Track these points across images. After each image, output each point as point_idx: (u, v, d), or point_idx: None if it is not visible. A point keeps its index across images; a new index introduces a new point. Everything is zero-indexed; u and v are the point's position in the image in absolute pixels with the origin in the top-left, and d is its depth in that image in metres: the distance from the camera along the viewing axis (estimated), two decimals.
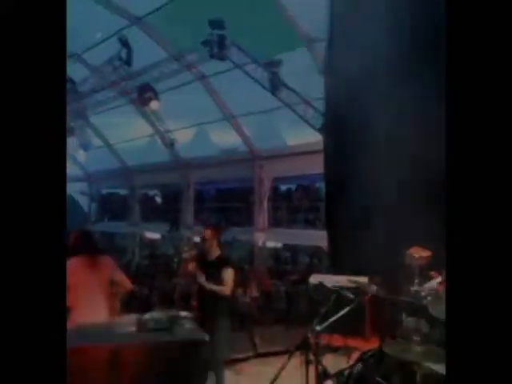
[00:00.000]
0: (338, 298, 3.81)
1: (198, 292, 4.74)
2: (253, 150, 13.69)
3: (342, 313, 3.63)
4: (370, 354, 3.73)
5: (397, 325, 3.79)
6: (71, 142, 15.70)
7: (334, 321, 3.60)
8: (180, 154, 15.85)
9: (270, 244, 14.73)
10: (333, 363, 4.06)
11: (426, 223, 4.26)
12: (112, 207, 21.93)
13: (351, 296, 3.81)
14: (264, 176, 13.52)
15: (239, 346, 6.13)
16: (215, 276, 4.62)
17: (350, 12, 6.10)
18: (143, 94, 11.63)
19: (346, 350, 4.25)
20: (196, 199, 16.61)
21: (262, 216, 13.64)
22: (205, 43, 9.97)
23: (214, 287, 4.58)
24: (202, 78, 12.85)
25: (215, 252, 4.80)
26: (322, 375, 3.74)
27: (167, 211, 17.80)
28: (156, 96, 11.59)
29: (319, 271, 10.89)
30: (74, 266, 4.37)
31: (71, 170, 20.60)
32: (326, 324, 3.55)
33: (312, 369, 3.68)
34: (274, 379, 4.17)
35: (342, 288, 3.94)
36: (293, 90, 10.29)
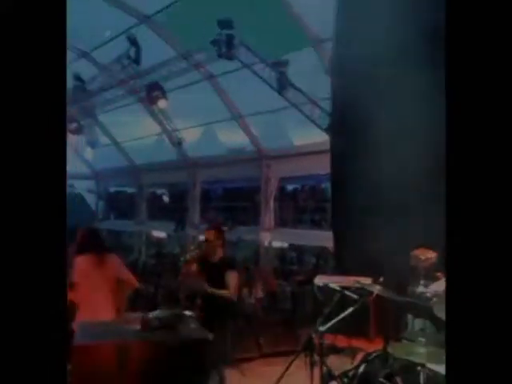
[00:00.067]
0: (342, 298, 3.81)
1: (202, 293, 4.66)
2: (260, 150, 13.69)
3: (345, 313, 3.62)
4: (374, 354, 3.72)
5: (402, 326, 3.78)
6: (79, 140, 15.80)
7: (339, 321, 3.60)
8: (187, 153, 15.88)
9: (276, 244, 14.73)
10: (337, 364, 4.06)
11: (434, 224, 4.24)
12: (119, 205, 22.01)
13: (356, 297, 3.81)
14: (271, 175, 13.51)
15: (244, 346, 6.13)
16: (218, 279, 4.47)
17: (357, 12, 6.08)
18: (151, 93, 11.66)
19: (351, 351, 4.24)
20: (203, 198, 16.63)
21: (268, 216, 13.64)
22: (213, 43, 9.98)
23: (218, 293, 4.43)
24: (210, 77, 12.87)
25: (218, 254, 4.65)
26: (327, 376, 3.74)
27: (174, 210, 17.83)
28: (164, 95, 11.61)
29: (325, 272, 10.88)
30: (81, 263, 4.40)
31: (79, 167, 20.74)
32: (329, 324, 3.55)
33: (316, 369, 3.68)
34: (279, 379, 4.18)
35: (346, 289, 3.93)
36: (300, 90, 10.28)
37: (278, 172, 13.45)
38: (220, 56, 10.11)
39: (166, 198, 19.36)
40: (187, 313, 3.70)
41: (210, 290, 4.45)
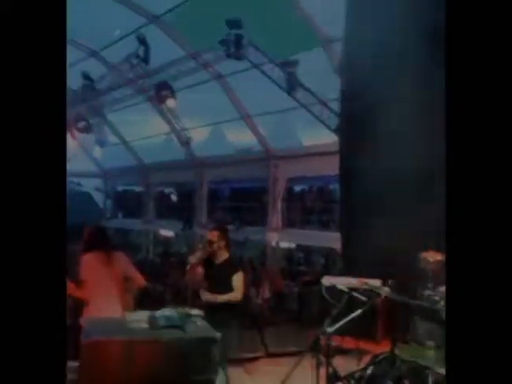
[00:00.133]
0: (350, 300, 3.79)
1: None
2: (268, 150, 13.68)
3: (353, 315, 3.60)
4: (381, 357, 3.70)
5: (409, 329, 3.76)
6: (88, 139, 15.88)
7: (346, 323, 3.58)
8: (195, 153, 15.90)
9: (284, 244, 14.71)
10: (344, 365, 4.04)
11: (443, 225, 4.21)
12: (127, 204, 22.08)
13: (363, 298, 3.79)
14: (279, 176, 13.49)
15: (250, 346, 6.13)
16: (223, 281, 4.45)
17: (367, 12, 6.06)
18: (160, 92, 11.69)
19: (358, 353, 4.22)
20: (210, 198, 16.65)
21: (276, 216, 13.62)
22: (222, 42, 9.99)
23: (223, 298, 4.40)
24: (219, 77, 12.88)
25: (223, 255, 4.61)
26: (333, 377, 3.72)
27: (181, 209, 17.87)
28: (173, 94, 11.63)
29: (332, 273, 10.85)
30: (89, 261, 4.42)
31: (87, 166, 20.84)
32: (336, 326, 3.53)
33: (323, 371, 3.66)
34: (285, 380, 4.16)
35: (354, 290, 3.91)
36: (309, 91, 10.26)
37: (286, 172, 13.42)
38: (229, 56, 10.11)
39: (173, 197, 19.40)
40: (194, 311, 3.70)
41: (208, 297, 4.43)
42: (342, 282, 4.17)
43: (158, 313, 3.49)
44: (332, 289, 4.18)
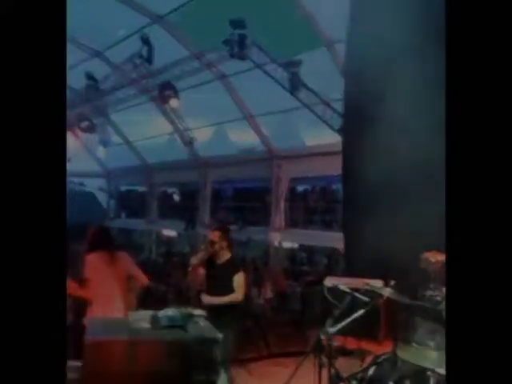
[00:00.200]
0: (352, 300, 3.79)
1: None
2: (271, 150, 13.68)
3: (355, 316, 3.61)
4: (383, 357, 3.70)
5: (412, 329, 3.76)
6: (92, 139, 15.92)
7: (348, 323, 3.58)
8: (199, 153, 15.91)
9: (287, 244, 14.70)
10: (346, 366, 4.04)
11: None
12: (130, 204, 22.11)
13: (366, 299, 3.79)
14: (282, 176, 13.48)
15: (252, 346, 6.14)
16: (224, 281, 4.45)
17: (371, 12, 6.06)
18: (163, 92, 11.70)
19: (360, 353, 4.22)
20: (213, 198, 16.65)
21: (279, 216, 13.61)
22: (225, 42, 9.99)
23: (223, 300, 4.40)
24: (222, 77, 12.88)
25: (225, 255, 4.61)
26: (335, 378, 3.73)
27: (184, 209, 17.89)
28: (176, 94, 11.64)
29: (335, 273, 10.84)
30: (93, 261, 4.44)
31: (91, 166, 20.89)
32: (338, 326, 3.54)
33: (325, 371, 3.67)
34: (287, 380, 4.17)
35: (356, 291, 3.91)
36: (312, 91, 10.25)
37: (289, 172, 13.42)
38: (232, 56, 10.11)
39: (176, 197, 19.42)
40: (197, 311, 3.71)
41: (209, 299, 4.43)
42: (345, 283, 4.17)
43: (161, 313, 3.49)
44: (334, 289, 4.19)
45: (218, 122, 15.52)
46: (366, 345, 4.20)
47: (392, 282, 3.81)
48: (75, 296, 4.49)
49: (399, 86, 5.58)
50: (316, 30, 10.47)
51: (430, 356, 3.04)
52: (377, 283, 4.02)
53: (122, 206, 22.61)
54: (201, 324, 3.53)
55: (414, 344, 3.52)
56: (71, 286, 4.25)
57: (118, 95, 13.68)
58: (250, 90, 12.67)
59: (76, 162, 16.37)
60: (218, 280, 4.52)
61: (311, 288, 9.82)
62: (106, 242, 4.59)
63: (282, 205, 13.63)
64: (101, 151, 16.31)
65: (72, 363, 3.57)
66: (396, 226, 5.31)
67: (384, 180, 5.56)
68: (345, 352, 4.23)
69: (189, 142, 14.09)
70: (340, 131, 9.26)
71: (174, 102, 11.90)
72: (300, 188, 15.24)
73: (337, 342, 3.76)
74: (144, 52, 11.29)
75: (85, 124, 13.87)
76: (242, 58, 10.08)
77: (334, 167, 8.07)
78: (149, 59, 11.36)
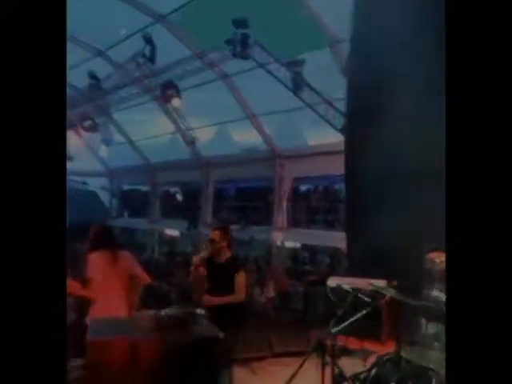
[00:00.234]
0: (355, 300, 3.78)
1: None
2: (274, 149, 13.67)
3: (358, 316, 3.60)
4: (386, 357, 3.69)
5: (415, 330, 3.75)
6: (94, 138, 15.94)
7: (351, 323, 3.57)
8: (201, 152, 15.92)
9: (289, 244, 14.70)
10: (349, 366, 4.04)
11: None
12: (132, 203, 22.13)
13: (368, 299, 3.78)
14: (284, 175, 13.48)
15: (255, 346, 6.13)
16: (225, 280, 4.44)
17: (374, 12, 6.04)
18: (166, 92, 11.70)
19: (363, 353, 4.21)
20: (216, 197, 16.66)
21: (281, 216, 13.61)
22: (228, 42, 9.99)
23: (225, 299, 4.39)
24: (225, 76, 12.88)
25: (225, 254, 4.61)
26: (338, 377, 3.72)
27: (187, 209, 17.90)
28: (178, 93, 11.64)
29: (338, 272, 10.83)
30: (95, 260, 4.43)
31: (93, 165, 20.92)
32: (341, 326, 3.53)
33: (328, 371, 3.66)
34: (290, 380, 4.16)
35: (359, 291, 3.90)
36: (315, 90, 10.24)
37: (292, 172, 13.41)
38: (235, 55, 10.11)
39: (179, 197, 19.43)
40: (199, 311, 3.71)
41: (218, 299, 4.41)
42: (347, 283, 4.16)
43: (163, 312, 3.49)
44: (337, 289, 4.18)
45: (221, 121, 15.52)
46: (368, 345, 4.20)
47: (395, 282, 3.80)
48: (78, 295, 4.49)
49: (402, 85, 5.57)
50: (319, 30, 10.46)
51: (434, 356, 3.03)
52: (380, 283, 4.00)
53: (125, 205, 22.63)
54: (203, 323, 3.53)
55: (417, 344, 3.51)
56: (74, 286, 4.25)
57: (120, 94, 13.69)
58: (252, 90, 12.67)
59: (78, 161, 16.41)
60: (219, 279, 4.52)
61: (313, 288, 9.82)
62: (108, 241, 4.58)
63: (285, 204, 13.63)
64: (103, 150, 16.34)
65: (74, 362, 3.58)
66: (398, 226, 5.30)
67: (386, 180, 5.55)
68: (347, 352, 4.22)
69: (191, 142, 14.10)
70: (342, 131, 9.25)
71: (176, 102, 11.90)
72: (302, 187, 15.23)
73: (340, 342, 3.76)
74: (146, 51, 11.30)
75: (87, 123, 13.88)
76: (245, 57, 10.07)
77: (336, 167, 8.06)
78: (151, 58, 11.38)
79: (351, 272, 6.45)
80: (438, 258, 3.72)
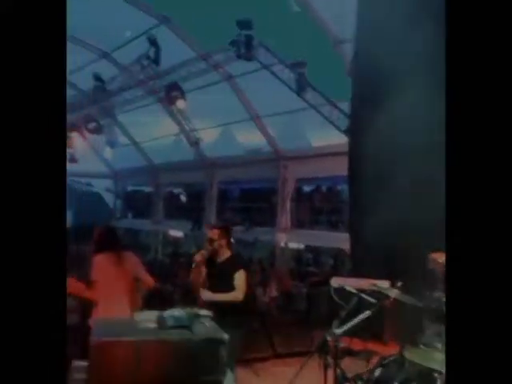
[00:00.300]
0: (358, 301, 3.78)
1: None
2: (277, 151, 13.68)
3: (361, 317, 3.60)
4: (390, 359, 3.69)
5: (419, 331, 3.74)
6: (99, 140, 15.98)
7: (354, 324, 3.57)
8: (205, 154, 15.94)
9: (293, 245, 14.68)
10: (352, 367, 4.03)
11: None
12: (136, 205, 22.17)
13: (372, 300, 3.78)
14: (288, 176, 13.48)
15: (258, 346, 6.13)
16: (225, 279, 4.43)
17: (378, 12, 6.04)
18: (170, 93, 11.73)
19: (366, 354, 4.21)
20: (220, 198, 16.67)
21: (285, 217, 13.61)
22: (232, 43, 10.00)
23: (224, 297, 4.38)
24: (229, 78, 12.90)
25: (225, 253, 4.60)
26: (341, 378, 3.72)
27: (191, 210, 17.92)
28: (183, 95, 11.66)
29: (341, 274, 10.81)
30: (99, 261, 4.45)
31: (98, 167, 20.98)
32: (345, 328, 3.53)
33: (330, 372, 3.66)
34: (293, 380, 4.16)
35: (363, 291, 3.90)
36: (319, 92, 10.24)
37: (296, 173, 13.41)
38: (239, 57, 10.12)
39: (183, 198, 19.45)
40: (203, 312, 3.71)
41: (216, 296, 4.40)
42: (351, 284, 4.16)
43: (167, 313, 3.50)
44: (340, 290, 4.17)
45: (225, 122, 15.54)
46: (372, 346, 4.19)
47: (399, 283, 3.79)
48: (82, 297, 4.50)
49: (406, 86, 5.57)
50: (323, 31, 10.46)
51: (438, 357, 3.02)
52: (383, 284, 4.00)
53: (129, 206, 22.68)
54: (207, 324, 3.53)
55: (421, 345, 3.50)
56: (78, 287, 4.27)
57: (125, 96, 13.73)
58: (256, 91, 12.67)
59: (83, 163, 16.46)
60: (219, 278, 4.51)
61: (317, 288, 9.81)
62: (112, 242, 4.60)
63: (288, 205, 13.63)
64: (108, 152, 16.38)
65: (78, 363, 3.59)
66: (402, 227, 5.29)
67: (390, 180, 5.54)
68: (350, 353, 4.22)
69: (195, 143, 14.12)
70: (346, 132, 9.24)
71: (180, 103, 11.93)
72: (306, 188, 15.23)
73: (343, 343, 3.75)
74: (151, 53, 11.33)
75: (92, 125, 13.94)
76: (249, 58, 10.08)
77: (340, 168, 8.05)
78: (156, 60, 11.39)
79: (355, 273, 6.43)
80: (441, 259, 3.72)
